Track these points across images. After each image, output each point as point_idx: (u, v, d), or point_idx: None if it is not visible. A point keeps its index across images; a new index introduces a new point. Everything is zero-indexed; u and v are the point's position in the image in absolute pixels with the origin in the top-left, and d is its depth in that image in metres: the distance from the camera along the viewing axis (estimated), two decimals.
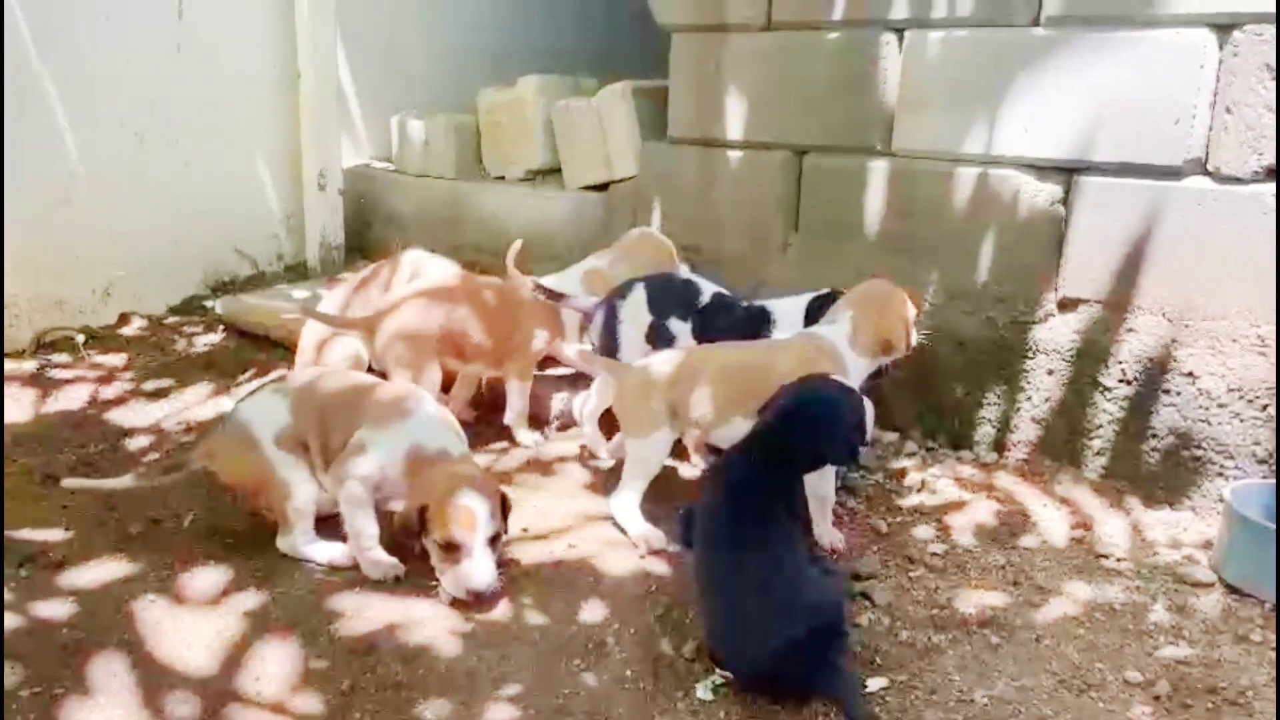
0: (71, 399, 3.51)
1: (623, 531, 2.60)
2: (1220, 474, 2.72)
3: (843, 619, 2.05)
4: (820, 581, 2.11)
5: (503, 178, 4.59)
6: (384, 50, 5.22)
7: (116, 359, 3.91)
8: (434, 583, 2.30)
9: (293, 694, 2.00)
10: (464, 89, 4.98)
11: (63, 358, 3.87)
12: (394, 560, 2.37)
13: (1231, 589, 2.41)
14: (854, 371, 2.64)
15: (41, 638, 2.12)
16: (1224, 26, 2.60)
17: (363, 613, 2.25)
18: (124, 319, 4.27)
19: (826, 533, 2.56)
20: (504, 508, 2.31)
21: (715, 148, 3.62)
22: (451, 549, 2.20)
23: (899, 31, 3.13)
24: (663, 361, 2.69)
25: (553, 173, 4.42)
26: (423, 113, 4.82)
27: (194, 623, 2.20)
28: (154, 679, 2.02)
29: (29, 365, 3.75)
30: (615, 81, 4.08)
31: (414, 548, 2.27)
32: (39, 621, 2.17)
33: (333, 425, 2.44)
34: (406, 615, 2.24)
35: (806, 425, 2.26)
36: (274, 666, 2.07)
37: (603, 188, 4.11)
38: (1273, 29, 2.53)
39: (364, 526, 2.37)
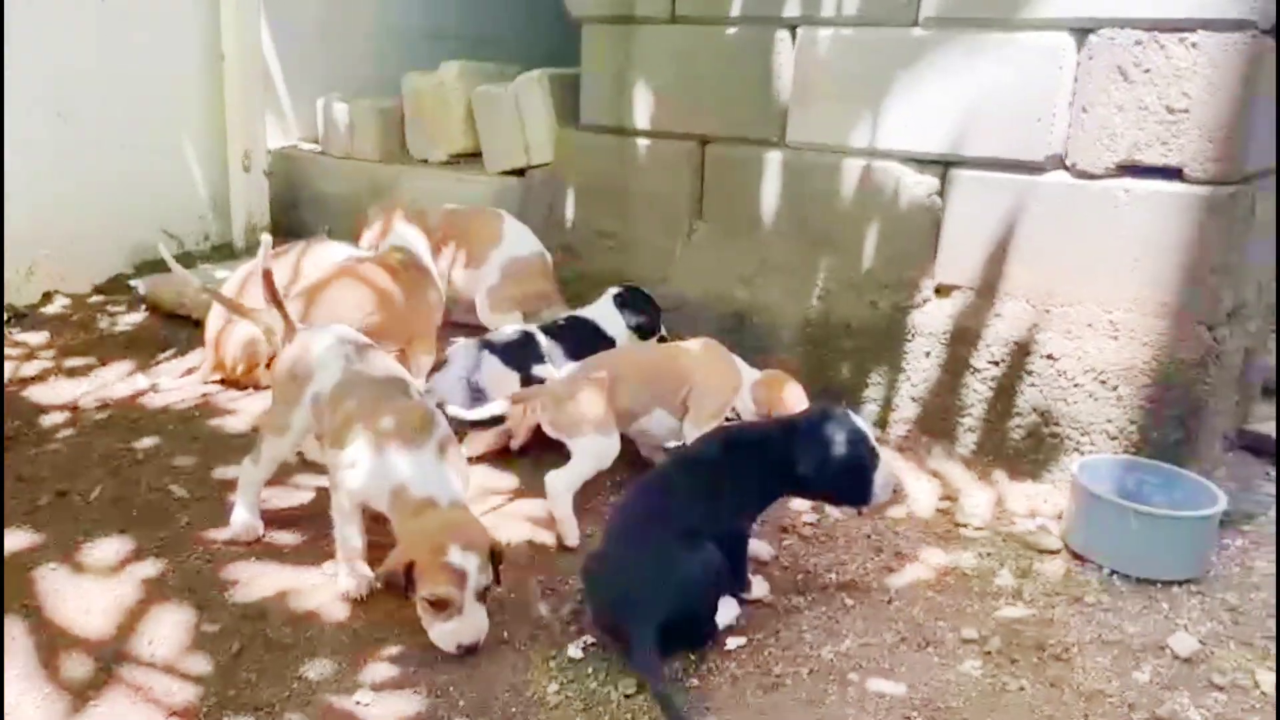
0: None
1: (551, 514, 2.70)
2: (1077, 449, 2.92)
3: (692, 613, 2.13)
4: (687, 569, 2.11)
5: (426, 161, 4.69)
6: (311, 32, 5.28)
7: (38, 337, 3.98)
8: (329, 556, 2.42)
9: (184, 655, 2.12)
10: (390, 72, 5.07)
11: None
12: (371, 575, 2.34)
13: (1075, 555, 2.61)
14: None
15: None
16: (1082, 30, 2.77)
17: (256, 580, 2.38)
18: (47, 298, 4.32)
19: None
20: (495, 557, 2.17)
21: (626, 136, 3.76)
22: (441, 606, 2.11)
23: (792, 28, 3.28)
24: (595, 367, 2.86)
25: (474, 157, 4.53)
26: (348, 95, 4.90)
27: (93, 590, 2.31)
28: (52, 642, 2.13)
29: None
30: (540, 66, 4.19)
31: (407, 595, 2.14)
32: None
33: (345, 416, 2.33)
34: (298, 582, 2.37)
35: (832, 455, 2.26)
36: (167, 630, 2.19)
37: (522, 172, 4.23)
38: (1125, 33, 2.70)
39: (350, 538, 2.33)
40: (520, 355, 3.08)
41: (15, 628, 2.17)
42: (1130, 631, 2.31)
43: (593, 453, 2.73)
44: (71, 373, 3.65)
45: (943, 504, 2.88)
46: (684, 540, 2.15)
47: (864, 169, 3.19)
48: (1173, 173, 2.69)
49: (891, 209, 3.16)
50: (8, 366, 3.66)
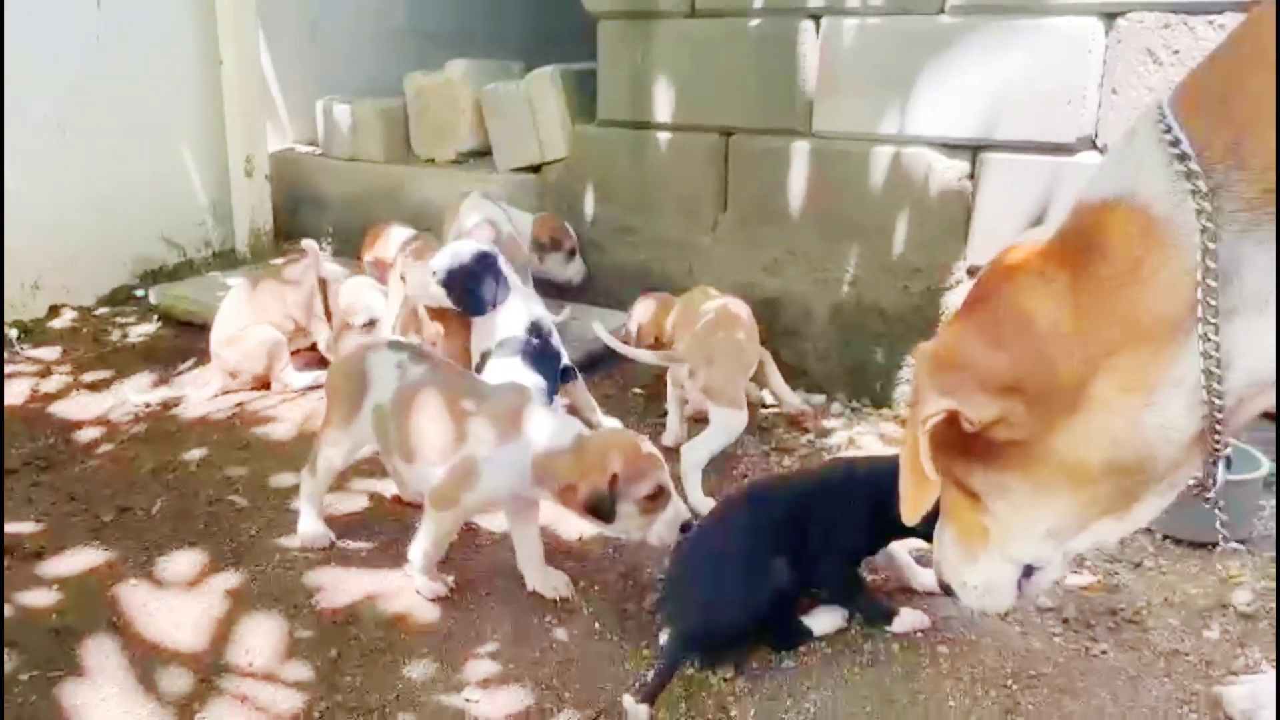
0: (12, 394, 3.51)
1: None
2: None
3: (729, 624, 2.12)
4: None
5: (433, 160, 4.67)
6: (301, 34, 5.23)
7: (51, 352, 3.91)
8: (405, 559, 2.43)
9: (283, 663, 2.13)
10: (381, 71, 5.07)
11: None
12: (445, 579, 2.37)
13: None
14: None
15: (32, 624, 2.20)
16: (1110, 15, 2.86)
17: (340, 585, 2.39)
18: (54, 311, 4.25)
19: None
20: None
21: (645, 130, 3.78)
22: (654, 497, 2.18)
23: (816, 19, 3.33)
24: (730, 326, 2.99)
25: (483, 155, 4.53)
26: (349, 97, 4.86)
27: (178, 604, 2.30)
28: (146, 658, 2.12)
29: None
30: (539, 63, 4.20)
31: (611, 519, 2.17)
32: (27, 610, 2.25)
33: (422, 429, 2.32)
34: (383, 586, 2.38)
35: None
36: (261, 640, 2.20)
37: (535, 169, 4.24)
38: (1153, 16, 2.79)
39: (441, 548, 2.35)
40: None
41: (108, 646, 2.16)
42: (1192, 592, 2.40)
43: (728, 426, 2.80)
44: (93, 387, 3.59)
45: None
46: (750, 556, 2.15)
47: (893, 156, 3.25)
48: None
49: (922, 194, 3.23)
50: (26, 384, 3.60)
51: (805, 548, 2.20)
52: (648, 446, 2.20)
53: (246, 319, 3.52)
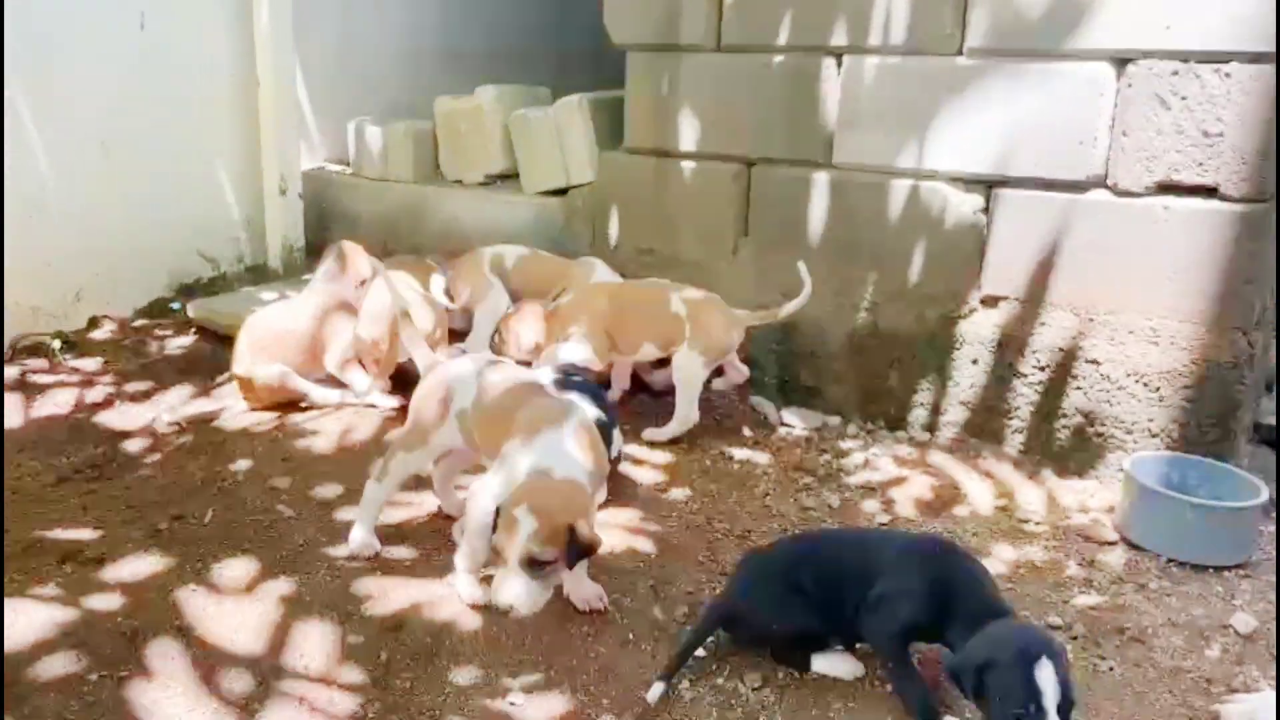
0: (57, 403, 3.64)
1: None
2: (1120, 447, 3.15)
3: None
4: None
5: (460, 182, 4.82)
6: (332, 54, 5.39)
7: (92, 363, 4.04)
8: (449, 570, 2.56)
9: (336, 667, 2.26)
10: (409, 92, 5.22)
11: (40, 363, 3.99)
12: (482, 591, 2.44)
13: (1132, 545, 2.84)
14: None
15: (99, 627, 2.33)
16: (1121, 60, 3.00)
17: (388, 594, 2.52)
18: (94, 323, 4.38)
19: None
20: (574, 541, 2.17)
21: (670, 158, 3.92)
22: (496, 555, 2.21)
23: (838, 56, 3.47)
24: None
25: (509, 177, 4.68)
26: (380, 119, 5.01)
27: (235, 609, 2.43)
28: (208, 660, 2.25)
29: (10, 371, 3.86)
30: (568, 87, 4.37)
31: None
32: (95, 613, 2.38)
33: (493, 424, 2.50)
34: (428, 595, 2.51)
35: (983, 674, 1.93)
36: (315, 644, 2.32)
37: (561, 192, 4.38)
38: (1162, 64, 2.93)
39: (477, 551, 2.42)
40: None
41: (172, 648, 2.28)
42: (1195, 613, 2.53)
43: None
44: (135, 398, 3.73)
45: (1000, 502, 3.10)
46: (793, 587, 2.26)
47: (910, 189, 3.39)
48: (1209, 191, 2.93)
49: (937, 226, 3.37)
50: (71, 394, 3.73)
51: (847, 599, 2.22)
52: (519, 512, 2.14)
53: (266, 348, 3.60)
